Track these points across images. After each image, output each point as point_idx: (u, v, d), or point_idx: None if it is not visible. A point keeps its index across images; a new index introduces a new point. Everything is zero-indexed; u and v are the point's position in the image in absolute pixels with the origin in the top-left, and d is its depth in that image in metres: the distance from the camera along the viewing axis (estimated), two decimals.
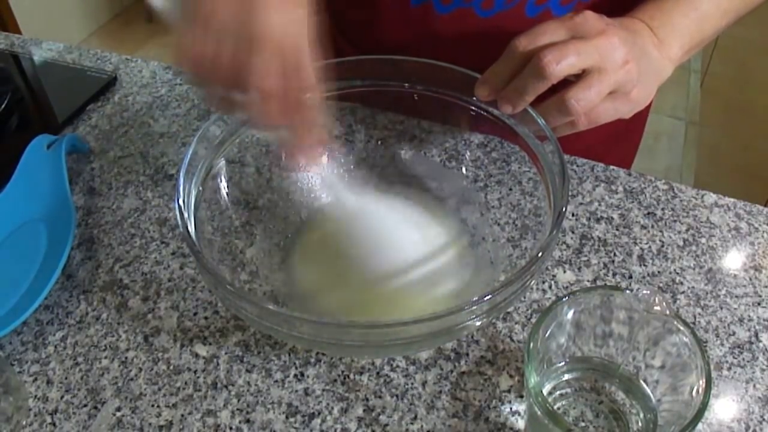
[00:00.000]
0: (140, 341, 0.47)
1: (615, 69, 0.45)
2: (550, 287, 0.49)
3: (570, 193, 0.55)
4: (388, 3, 0.62)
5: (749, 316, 0.47)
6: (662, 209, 0.54)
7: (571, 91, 0.44)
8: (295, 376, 0.44)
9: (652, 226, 0.53)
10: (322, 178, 0.47)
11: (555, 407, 0.39)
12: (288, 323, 0.37)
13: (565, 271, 0.50)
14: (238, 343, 0.46)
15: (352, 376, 0.44)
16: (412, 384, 0.44)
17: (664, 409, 0.38)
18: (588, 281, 0.49)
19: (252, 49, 0.36)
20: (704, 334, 0.46)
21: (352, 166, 0.55)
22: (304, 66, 0.38)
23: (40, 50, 0.77)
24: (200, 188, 0.46)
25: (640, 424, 0.39)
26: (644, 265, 0.50)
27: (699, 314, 0.47)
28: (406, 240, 0.48)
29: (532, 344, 0.36)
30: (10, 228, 0.54)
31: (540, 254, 0.38)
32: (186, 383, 0.44)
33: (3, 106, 0.66)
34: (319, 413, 0.42)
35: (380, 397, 0.43)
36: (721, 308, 0.47)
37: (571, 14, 0.46)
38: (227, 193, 0.49)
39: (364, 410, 0.42)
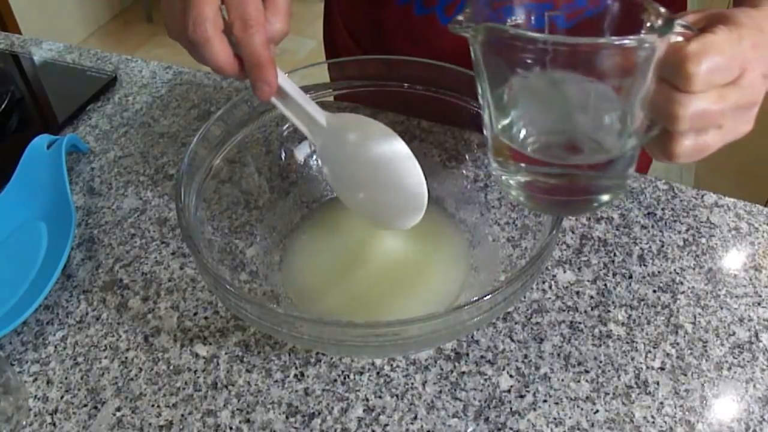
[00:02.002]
0: (140, 341, 0.47)
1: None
2: (550, 287, 0.49)
3: None
4: (392, 9, 0.62)
5: (749, 316, 0.47)
6: (662, 209, 0.54)
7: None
8: (295, 376, 0.44)
9: (652, 226, 0.53)
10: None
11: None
12: (288, 323, 0.37)
13: (565, 271, 0.50)
14: (238, 343, 0.46)
15: (352, 376, 0.44)
16: (412, 384, 0.44)
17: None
18: (588, 281, 0.49)
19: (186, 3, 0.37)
20: (704, 334, 0.46)
21: None
22: (246, 5, 0.38)
23: (40, 50, 0.77)
24: (200, 188, 0.46)
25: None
26: (644, 265, 0.50)
27: (699, 314, 0.47)
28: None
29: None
30: (10, 228, 0.54)
31: (540, 254, 0.38)
32: (186, 383, 0.44)
33: (3, 106, 0.66)
34: (319, 413, 0.42)
35: (380, 397, 0.43)
36: (721, 308, 0.47)
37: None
38: (227, 193, 0.49)
39: (364, 410, 0.42)
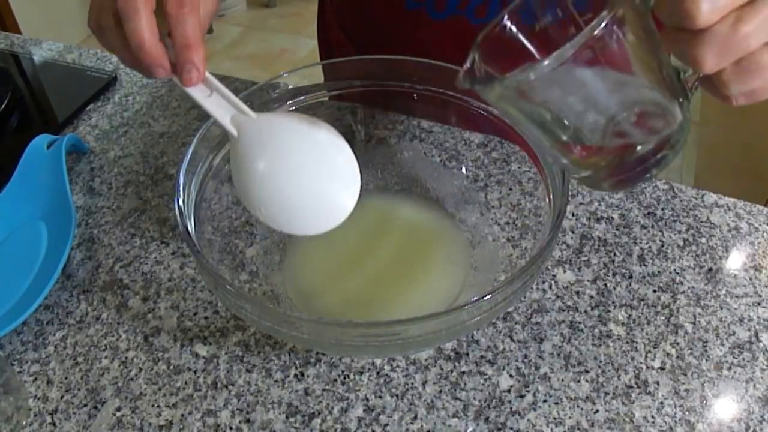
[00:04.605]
0: (140, 341, 0.47)
1: None
2: (550, 287, 0.49)
3: (570, 193, 0.55)
4: (383, 3, 0.63)
5: (749, 316, 0.47)
6: (662, 209, 0.54)
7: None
8: (295, 376, 0.44)
9: (652, 226, 0.53)
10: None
11: None
12: (288, 323, 0.37)
13: (565, 271, 0.50)
14: (238, 343, 0.46)
15: (352, 376, 0.44)
16: (412, 384, 0.44)
17: None
18: (588, 281, 0.49)
19: None
20: (704, 334, 0.46)
21: None
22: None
23: (40, 50, 0.77)
24: (200, 188, 0.46)
25: None
26: (644, 265, 0.50)
27: (699, 314, 0.47)
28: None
29: None
30: (10, 228, 0.54)
31: (540, 254, 0.38)
32: (186, 383, 0.44)
33: (3, 106, 0.66)
34: (319, 413, 0.42)
35: (380, 397, 0.43)
36: (721, 308, 0.47)
37: None
38: (227, 193, 0.49)
39: (364, 410, 0.42)
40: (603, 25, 0.29)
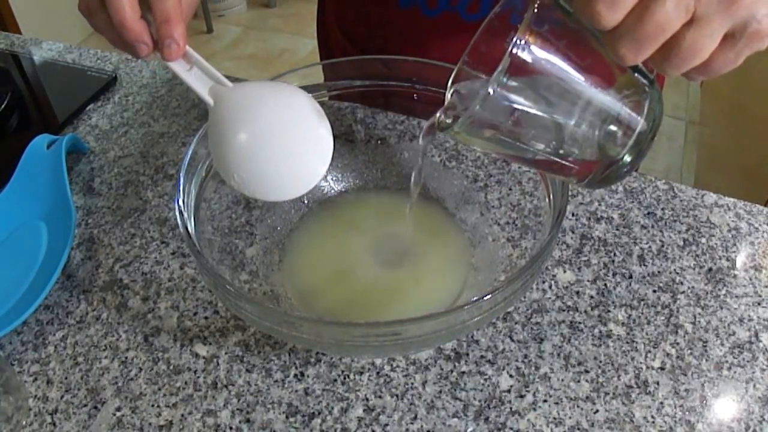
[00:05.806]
0: (140, 341, 0.47)
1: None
2: (550, 287, 0.49)
3: (570, 193, 0.55)
4: (378, 2, 0.63)
5: (749, 316, 0.47)
6: (662, 209, 0.54)
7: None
8: (295, 376, 0.44)
9: (652, 226, 0.53)
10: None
11: None
12: (288, 323, 0.37)
13: (565, 271, 0.50)
14: (238, 343, 0.46)
15: (352, 376, 0.44)
16: (412, 384, 0.44)
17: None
18: (588, 281, 0.49)
19: None
20: (704, 334, 0.46)
21: (352, 166, 0.55)
22: None
23: (40, 50, 0.77)
24: (200, 188, 0.46)
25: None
26: (644, 265, 0.50)
27: (699, 314, 0.47)
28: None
29: None
30: (10, 228, 0.54)
31: (540, 254, 0.38)
32: (186, 383, 0.44)
33: (3, 106, 0.66)
34: (319, 413, 0.42)
35: (380, 397, 0.43)
36: (721, 308, 0.47)
37: None
38: (227, 193, 0.49)
39: (364, 410, 0.42)
40: (517, 42, 0.30)
